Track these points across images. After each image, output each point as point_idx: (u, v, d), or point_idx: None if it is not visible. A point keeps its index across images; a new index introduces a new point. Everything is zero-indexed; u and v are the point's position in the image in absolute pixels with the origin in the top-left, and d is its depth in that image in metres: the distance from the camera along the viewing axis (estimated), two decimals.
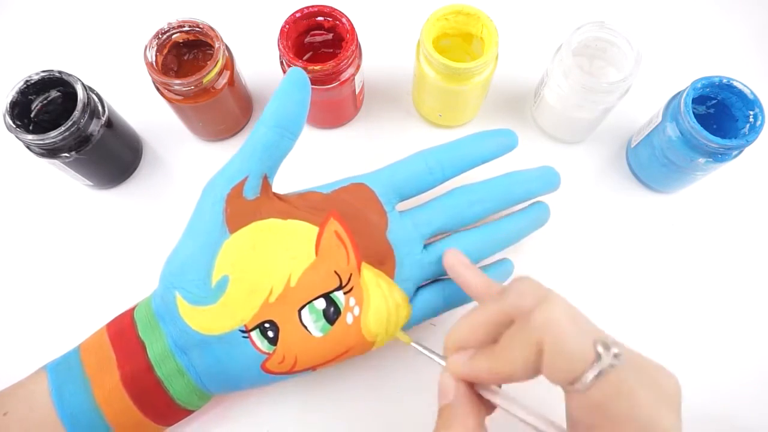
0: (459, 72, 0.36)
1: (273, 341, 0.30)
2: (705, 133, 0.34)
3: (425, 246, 0.34)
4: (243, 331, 0.30)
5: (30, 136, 0.35)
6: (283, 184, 0.34)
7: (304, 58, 0.42)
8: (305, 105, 0.32)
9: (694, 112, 0.36)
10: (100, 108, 0.38)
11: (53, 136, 0.35)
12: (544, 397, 0.27)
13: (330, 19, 0.38)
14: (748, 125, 0.35)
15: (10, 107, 0.36)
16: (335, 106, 0.42)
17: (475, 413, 0.26)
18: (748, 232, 0.42)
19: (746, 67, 0.46)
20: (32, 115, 0.37)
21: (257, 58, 0.44)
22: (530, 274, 0.39)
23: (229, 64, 0.39)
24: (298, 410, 0.37)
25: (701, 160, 0.36)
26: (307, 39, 0.40)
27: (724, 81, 0.36)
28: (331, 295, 0.31)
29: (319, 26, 0.39)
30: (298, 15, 0.37)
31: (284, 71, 0.38)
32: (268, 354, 0.30)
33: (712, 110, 0.39)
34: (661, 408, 0.22)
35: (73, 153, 0.37)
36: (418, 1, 0.44)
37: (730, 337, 0.39)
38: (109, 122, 0.39)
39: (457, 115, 0.43)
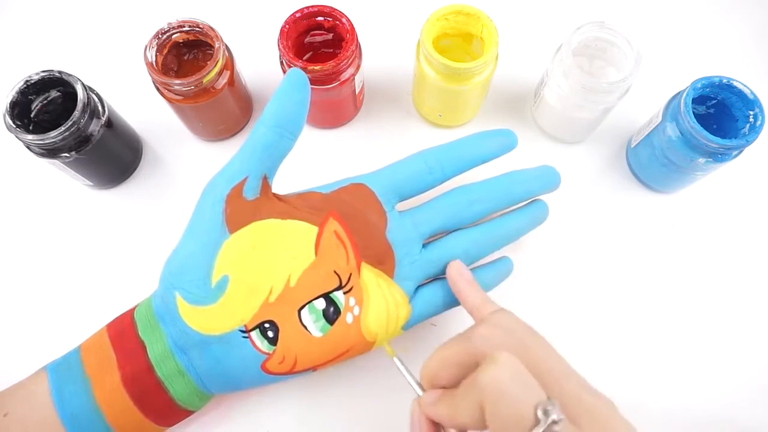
0: (459, 72, 0.36)
1: (273, 341, 0.30)
2: (705, 133, 0.34)
3: (424, 245, 0.34)
4: (243, 331, 0.30)
5: (30, 136, 0.35)
6: (283, 184, 0.34)
7: (304, 58, 0.42)
8: (305, 105, 0.32)
9: (694, 112, 0.36)
10: (100, 108, 0.38)
11: (53, 136, 0.35)
12: None
13: (330, 19, 0.38)
14: (748, 125, 0.35)
15: (10, 107, 0.36)
16: (335, 106, 0.42)
17: None
18: (748, 232, 0.42)
19: (746, 67, 0.46)
20: (32, 115, 0.37)
21: (257, 58, 0.44)
22: (531, 274, 0.40)
23: (229, 64, 0.39)
24: (298, 410, 0.37)
25: (701, 160, 0.36)
26: (307, 39, 0.40)
27: (724, 81, 0.36)
28: (331, 295, 0.31)
29: (319, 26, 0.39)
30: (298, 15, 0.37)
31: (284, 71, 0.38)
32: (268, 354, 0.30)
33: (712, 110, 0.39)
34: None
35: (73, 153, 0.37)
36: (418, 1, 0.44)
37: (730, 337, 0.39)
38: (109, 122, 0.39)
39: (457, 115, 0.43)
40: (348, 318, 0.31)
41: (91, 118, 0.37)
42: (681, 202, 0.42)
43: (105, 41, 0.47)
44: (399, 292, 0.33)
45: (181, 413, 0.32)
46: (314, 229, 0.32)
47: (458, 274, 0.33)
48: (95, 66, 0.45)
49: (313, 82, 0.37)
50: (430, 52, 0.36)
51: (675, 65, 0.46)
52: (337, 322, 0.31)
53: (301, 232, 0.32)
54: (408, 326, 0.33)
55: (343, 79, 0.38)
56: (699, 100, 0.37)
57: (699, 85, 0.36)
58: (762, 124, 0.35)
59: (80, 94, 0.36)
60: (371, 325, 0.31)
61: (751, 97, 0.35)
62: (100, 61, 0.46)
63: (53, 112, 0.38)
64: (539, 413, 0.21)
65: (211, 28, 0.37)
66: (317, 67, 0.36)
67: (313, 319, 0.31)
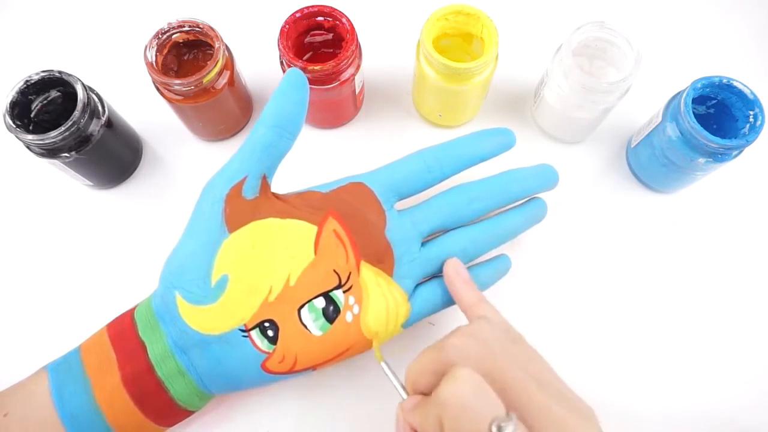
0: (459, 72, 0.36)
1: (273, 340, 0.30)
2: (705, 133, 0.34)
3: (423, 244, 0.34)
4: (243, 331, 0.30)
5: (30, 136, 0.35)
6: (283, 184, 0.34)
7: (304, 58, 0.42)
8: (304, 105, 0.32)
9: (694, 112, 0.36)
10: (100, 108, 0.38)
11: (53, 136, 0.35)
12: None
13: (330, 19, 0.38)
14: (748, 125, 0.35)
15: (10, 107, 0.36)
16: (335, 106, 0.42)
17: None
18: (748, 232, 0.42)
19: (746, 67, 0.46)
20: (32, 115, 0.37)
21: (257, 58, 0.44)
22: (530, 273, 0.40)
23: (229, 64, 0.39)
24: (298, 410, 0.37)
25: (701, 160, 0.36)
26: (307, 39, 0.40)
27: (724, 81, 0.36)
28: (331, 293, 0.31)
29: (319, 26, 0.39)
30: (298, 15, 0.37)
31: (284, 71, 0.38)
32: (268, 353, 0.30)
33: (712, 110, 0.39)
34: None
35: (73, 153, 0.37)
36: (418, 1, 0.44)
37: (731, 338, 0.39)
38: (109, 122, 0.39)
39: (457, 115, 0.43)
40: (348, 317, 0.31)
41: (91, 118, 0.37)
42: (681, 202, 0.42)
43: (105, 41, 0.47)
44: (398, 290, 0.33)
45: (181, 413, 0.32)
46: (313, 228, 0.32)
47: (455, 272, 0.33)
48: (95, 66, 0.45)
49: (313, 82, 0.37)
50: (430, 52, 0.36)
51: (675, 65, 0.46)
52: (336, 321, 0.31)
53: (301, 232, 0.32)
54: (407, 324, 0.33)
55: (343, 79, 0.38)
56: (699, 100, 0.37)
57: (699, 85, 0.36)
58: (762, 124, 0.35)
59: (80, 94, 0.36)
60: (371, 323, 0.32)
61: (751, 97, 0.35)
62: (100, 61, 0.46)
63: (53, 112, 0.38)
64: (493, 429, 0.22)
65: (211, 28, 0.37)
66: (317, 67, 0.36)
67: (312, 318, 0.31)
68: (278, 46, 0.37)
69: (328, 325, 0.31)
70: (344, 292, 0.31)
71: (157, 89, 0.38)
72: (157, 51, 0.38)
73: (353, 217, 0.33)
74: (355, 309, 0.31)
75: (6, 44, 0.48)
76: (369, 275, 0.32)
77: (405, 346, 0.36)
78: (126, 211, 0.42)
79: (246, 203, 0.31)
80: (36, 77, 0.36)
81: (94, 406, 0.29)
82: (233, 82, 0.39)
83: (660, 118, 0.38)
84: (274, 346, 0.30)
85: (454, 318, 0.37)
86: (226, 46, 0.39)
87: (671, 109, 0.37)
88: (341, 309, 0.31)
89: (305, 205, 0.33)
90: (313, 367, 0.32)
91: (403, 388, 0.29)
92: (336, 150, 0.44)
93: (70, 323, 0.36)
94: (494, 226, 0.35)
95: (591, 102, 0.38)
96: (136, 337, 0.30)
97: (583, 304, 0.40)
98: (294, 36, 0.38)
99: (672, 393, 0.38)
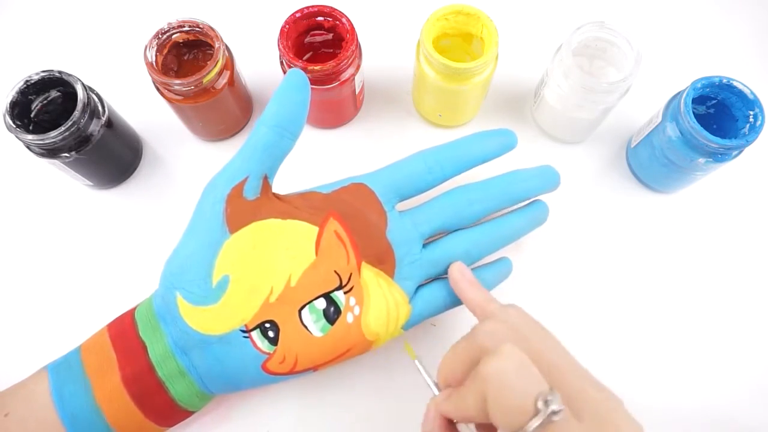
0: (459, 72, 0.36)
1: (273, 341, 0.30)
2: (705, 133, 0.34)
3: (425, 245, 0.34)
4: (243, 331, 0.30)
5: (30, 136, 0.35)
6: (283, 184, 0.34)
7: (304, 58, 0.42)
8: (305, 106, 0.32)
9: (694, 112, 0.36)
10: (100, 108, 0.38)
11: (53, 136, 0.35)
12: None
13: (330, 19, 0.38)
14: (748, 125, 0.35)
15: (10, 107, 0.35)
16: (335, 106, 0.42)
17: None
18: (748, 232, 0.42)
19: (746, 67, 0.46)
20: (32, 115, 0.37)
21: (257, 58, 0.44)
22: (531, 274, 0.40)
23: (229, 64, 0.39)
24: (298, 410, 0.37)
25: (701, 160, 0.36)
26: (307, 39, 0.40)
27: (724, 81, 0.36)
28: (331, 294, 0.31)
29: (319, 26, 0.39)
30: (298, 15, 0.37)
31: (284, 71, 0.38)
32: (269, 354, 0.30)
33: (712, 110, 0.39)
34: None
35: (73, 153, 0.37)
36: (418, 1, 0.44)
37: (731, 337, 0.39)
38: (109, 122, 0.39)
39: (457, 115, 0.43)
40: (348, 318, 0.31)
41: (91, 118, 0.37)
42: (681, 202, 0.42)
43: (105, 41, 0.47)
44: (399, 291, 0.33)
45: (181, 414, 0.32)
46: (315, 229, 0.32)
47: (460, 274, 0.33)
48: (95, 66, 0.45)
49: (313, 82, 0.37)
50: (430, 52, 0.36)
51: (675, 65, 0.46)
52: (337, 322, 0.31)
53: (302, 232, 0.32)
54: (408, 326, 0.33)
55: (343, 79, 0.38)
56: (699, 100, 0.37)
57: (699, 85, 0.36)
58: (762, 124, 0.35)
59: (80, 94, 0.36)
60: (372, 324, 0.32)
61: (751, 97, 0.35)
62: (100, 61, 0.46)
63: (53, 112, 0.38)
64: (539, 404, 0.22)
65: (211, 28, 0.37)
66: (317, 67, 0.36)
67: (313, 319, 0.31)
68: (278, 46, 0.37)
69: (329, 326, 0.31)
70: (345, 293, 0.31)
71: (157, 89, 0.38)
72: (157, 51, 0.37)
73: (354, 217, 0.33)
74: (356, 310, 0.31)
75: (6, 44, 0.48)
76: (370, 276, 0.32)
77: (405, 348, 0.36)
78: (126, 211, 0.42)
79: (247, 204, 0.31)
80: (36, 77, 0.36)
81: (95, 406, 0.29)
82: (233, 82, 0.39)
83: (660, 118, 0.38)
84: (274, 347, 0.30)
85: (456, 319, 0.37)
86: (226, 46, 0.39)
87: (671, 109, 0.37)
88: (342, 310, 0.31)
89: (306, 206, 0.33)
90: (314, 368, 0.32)
91: (435, 385, 0.29)
92: (336, 150, 0.44)
93: (70, 323, 0.36)
94: (496, 228, 0.35)
95: (591, 102, 0.38)
96: (136, 337, 0.30)
97: (583, 303, 0.40)
98: (294, 36, 0.38)
99: (672, 393, 0.38)
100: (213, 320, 0.30)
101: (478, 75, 0.37)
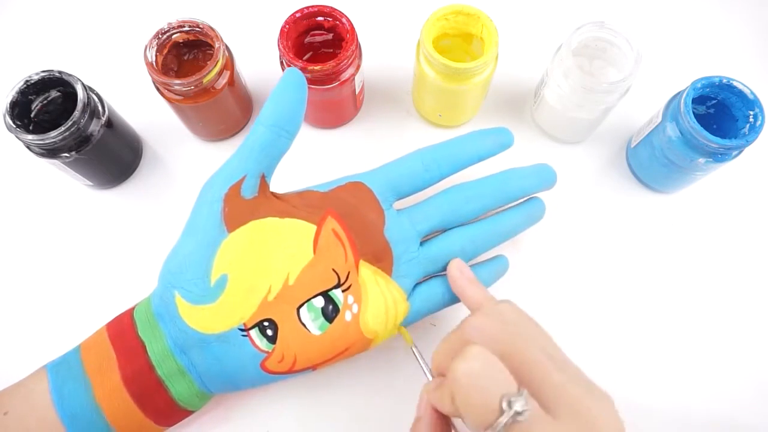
0: (459, 72, 0.36)
1: (272, 340, 0.30)
2: (705, 133, 0.34)
3: (422, 243, 0.35)
4: (242, 330, 0.30)
5: (30, 136, 0.35)
6: (283, 183, 0.34)
7: (304, 58, 0.42)
8: (302, 104, 0.32)
9: (694, 112, 0.36)
10: (100, 108, 0.38)
11: (53, 136, 0.35)
12: None
13: (330, 19, 0.38)
14: (748, 125, 0.35)
15: (10, 107, 0.36)
16: (335, 106, 0.42)
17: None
18: (748, 232, 0.42)
19: (746, 67, 0.46)
20: (32, 115, 0.37)
21: (257, 58, 0.44)
22: (530, 274, 0.40)
23: (229, 64, 0.39)
24: (298, 410, 0.37)
25: (701, 160, 0.36)
26: (307, 39, 0.40)
27: (724, 81, 0.36)
28: (330, 293, 0.31)
29: (319, 26, 0.39)
30: (298, 15, 0.38)
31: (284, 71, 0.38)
32: (268, 353, 0.30)
33: (712, 110, 0.39)
34: None
35: (73, 153, 0.37)
36: (418, 1, 0.44)
37: (730, 337, 0.39)
38: (109, 122, 0.39)
39: (457, 115, 0.43)
40: (347, 316, 0.31)
41: (91, 118, 0.37)
42: (681, 202, 0.42)
43: (105, 41, 0.47)
44: (397, 289, 0.33)
45: (181, 413, 0.32)
46: (312, 228, 0.32)
47: (459, 272, 0.33)
48: (95, 66, 0.45)
49: (312, 82, 0.37)
50: (430, 52, 0.36)
51: (675, 65, 0.46)
52: (336, 320, 0.31)
53: (300, 231, 0.32)
54: (406, 323, 0.34)
55: (343, 79, 0.38)
56: (699, 100, 0.37)
57: (699, 85, 0.36)
58: (762, 124, 0.35)
59: (80, 94, 0.36)
60: (370, 322, 0.32)
61: (751, 97, 0.35)
62: (100, 61, 0.46)
63: (53, 112, 0.38)
64: (504, 404, 0.22)
65: (211, 28, 0.38)
66: (317, 67, 0.36)
67: (312, 318, 0.31)
68: (278, 46, 0.37)
69: (327, 324, 0.31)
70: (343, 291, 0.31)
71: (157, 89, 0.38)
72: (157, 51, 0.38)
73: (352, 216, 0.33)
74: (354, 308, 0.31)
75: (6, 44, 0.48)
76: (368, 274, 0.32)
77: (405, 347, 0.36)
78: (126, 211, 0.42)
79: (245, 203, 0.31)
80: (36, 77, 0.36)
81: (95, 405, 0.29)
82: (233, 82, 0.39)
83: (660, 118, 0.38)
84: (273, 346, 0.30)
85: (455, 317, 0.37)
86: (226, 46, 0.39)
87: (671, 109, 0.37)
88: (340, 308, 0.31)
89: (304, 205, 0.33)
90: (313, 367, 0.32)
91: (430, 371, 0.30)
92: (336, 150, 0.44)
93: (70, 323, 0.36)
94: (493, 225, 0.35)
95: (591, 102, 0.38)
96: (135, 336, 0.30)
97: (583, 303, 0.40)
98: (294, 36, 0.38)
99: (672, 392, 0.38)
100: (211, 319, 0.30)
101: (478, 75, 0.38)
